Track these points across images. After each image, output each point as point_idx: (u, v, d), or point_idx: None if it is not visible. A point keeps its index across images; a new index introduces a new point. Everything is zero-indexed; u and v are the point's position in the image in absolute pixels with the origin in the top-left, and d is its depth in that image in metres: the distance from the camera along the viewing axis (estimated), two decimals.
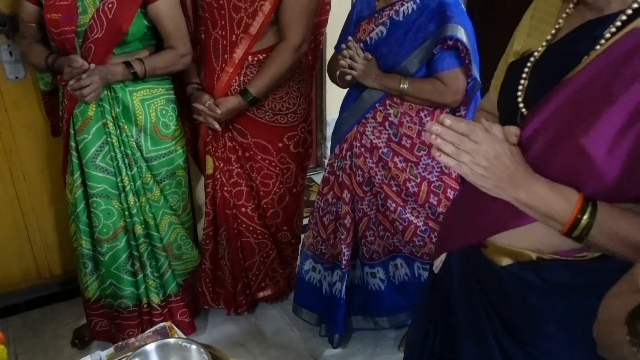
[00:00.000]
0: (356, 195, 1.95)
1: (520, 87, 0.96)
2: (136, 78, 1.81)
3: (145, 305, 2.07)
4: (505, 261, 0.99)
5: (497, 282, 1.00)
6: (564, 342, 0.94)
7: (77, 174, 1.90)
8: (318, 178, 3.42)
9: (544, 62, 0.95)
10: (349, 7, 2.04)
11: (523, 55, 0.99)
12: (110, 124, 1.84)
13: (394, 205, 1.89)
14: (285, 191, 2.17)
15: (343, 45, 1.75)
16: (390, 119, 1.83)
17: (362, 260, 2.06)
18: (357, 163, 1.91)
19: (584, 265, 0.90)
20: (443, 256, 1.17)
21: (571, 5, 0.93)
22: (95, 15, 1.70)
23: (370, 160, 1.88)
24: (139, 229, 1.96)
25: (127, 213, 1.94)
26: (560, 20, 0.95)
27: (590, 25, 0.88)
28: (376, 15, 1.80)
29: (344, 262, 1.99)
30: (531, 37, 1.01)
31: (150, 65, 1.81)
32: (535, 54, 0.96)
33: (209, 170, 2.13)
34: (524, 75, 0.96)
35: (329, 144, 3.33)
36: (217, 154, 2.09)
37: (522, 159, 0.88)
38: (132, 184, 1.92)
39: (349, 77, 1.76)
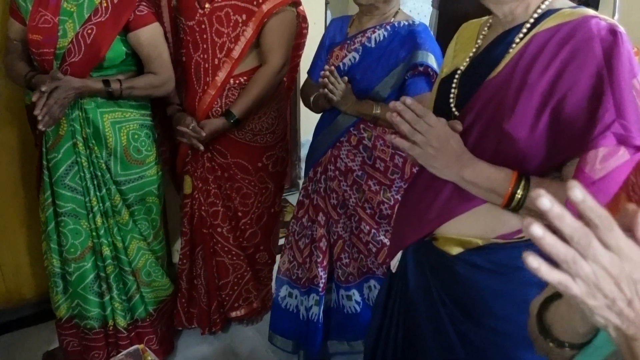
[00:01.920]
0: (331, 218, 1.99)
1: (451, 95, 1.16)
2: (111, 96, 1.85)
3: (112, 327, 2.09)
4: (456, 250, 1.14)
5: (450, 270, 1.16)
6: (511, 320, 1.09)
7: (47, 193, 1.95)
8: (292, 199, 3.46)
9: (469, 72, 1.16)
10: (320, 31, 2.09)
11: (451, 72, 1.20)
12: (80, 144, 1.89)
13: (367, 227, 1.93)
14: (263, 211, 2.26)
15: (323, 72, 1.81)
16: (364, 142, 1.88)
17: (338, 283, 2.09)
18: (331, 186, 1.97)
19: (521, 246, 1.07)
20: (399, 255, 1.31)
21: (486, 28, 1.18)
22: (74, 39, 1.78)
23: (345, 183, 1.93)
24: (106, 250, 1.99)
25: (94, 234, 1.98)
26: (479, 41, 1.18)
27: (503, 36, 1.10)
28: (348, 41, 1.87)
29: (321, 285, 2.02)
30: (457, 58, 1.23)
31: (128, 87, 1.86)
32: (461, 68, 1.18)
33: (188, 190, 2.21)
34: (453, 85, 1.17)
35: (303, 165, 3.36)
36: (196, 174, 2.17)
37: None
38: (100, 204, 1.96)
39: (326, 102, 1.85)
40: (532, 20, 1.05)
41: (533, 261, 0.48)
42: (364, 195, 1.94)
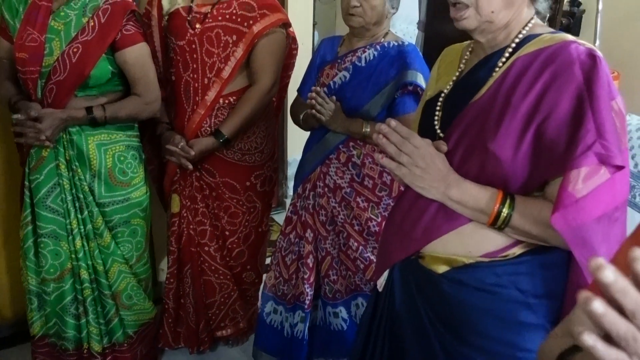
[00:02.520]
0: (319, 234, 2.00)
1: (436, 117, 1.20)
2: (95, 124, 1.86)
3: (86, 350, 2.08)
4: (442, 268, 1.16)
5: (436, 288, 1.18)
6: (497, 338, 1.11)
7: (27, 211, 1.96)
8: (279, 218, 3.46)
9: (452, 94, 1.20)
10: (307, 51, 2.12)
11: (435, 95, 1.24)
12: (63, 166, 1.89)
13: (355, 244, 1.94)
14: (251, 230, 2.27)
15: (311, 94, 1.85)
16: (353, 159, 1.90)
17: (325, 299, 2.09)
18: (320, 202, 1.98)
19: (506, 265, 1.09)
20: (385, 274, 1.32)
21: (468, 52, 1.22)
22: (60, 58, 1.79)
23: (333, 200, 1.95)
24: (84, 274, 1.98)
25: (74, 256, 1.97)
26: (461, 65, 1.22)
27: (485, 60, 1.15)
28: (339, 60, 1.91)
29: (306, 302, 2.02)
30: (440, 81, 1.27)
31: (112, 112, 1.87)
32: (445, 90, 1.22)
33: (175, 208, 2.21)
34: (437, 107, 1.21)
35: (290, 184, 3.38)
36: (184, 193, 2.17)
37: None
38: (81, 227, 1.95)
39: (315, 121, 1.88)
40: (513, 45, 1.11)
41: (588, 339, 0.45)
42: (352, 212, 1.95)
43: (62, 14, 1.81)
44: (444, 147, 1.11)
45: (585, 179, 0.95)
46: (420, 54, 1.89)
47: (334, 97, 1.88)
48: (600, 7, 1.76)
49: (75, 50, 1.78)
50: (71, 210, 1.91)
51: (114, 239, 2.01)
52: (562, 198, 0.96)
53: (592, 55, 1.00)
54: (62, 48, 1.78)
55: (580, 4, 3.02)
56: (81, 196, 1.91)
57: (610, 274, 0.44)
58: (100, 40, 1.79)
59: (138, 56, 1.87)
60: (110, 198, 1.96)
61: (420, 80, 1.80)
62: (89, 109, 1.84)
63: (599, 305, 0.44)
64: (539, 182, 1.05)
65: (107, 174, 1.93)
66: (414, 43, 3.91)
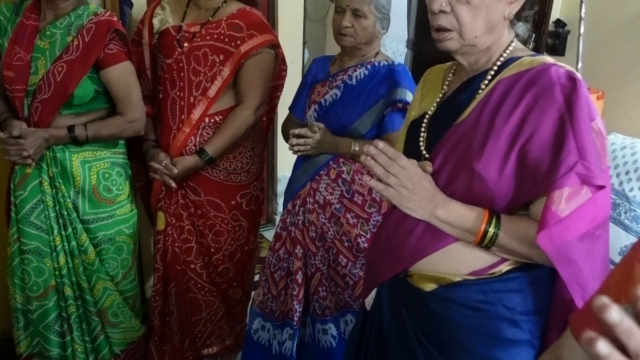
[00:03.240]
0: (309, 250, 2.02)
1: (421, 138, 1.22)
2: (76, 143, 1.87)
3: None
4: (430, 287, 1.17)
5: (424, 306, 1.19)
6: (484, 356, 1.13)
7: (14, 229, 1.96)
8: (269, 234, 3.46)
9: (436, 116, 1.23)
10: (297, 69, 2.15)
11: (420, 116, 1.27)
12: (46, 183, 1.89)
13: (345, 260, 1.96)
14: (236, 248, 2.26)
15: (290, 140, 1.91)
16: (343, 176, 1.93)
17: (314, 316, 2.10)
18: (310, 219, 1.99)
19: (493, 282, 1.12)
20: (374, 292, 1.34)
21: (451, 74, 1.26)
22: (45, 77, 1.80)
23: (323, 216, 1.96)
24: (68, 291, 1.98)
25: (57, 273, 1.96)
26: (444, 86, 1.26)
27: (468, 82, 1.18)
28: (330, 78, 1.94)
29: (295, 319, 2.02)
30: (424, 102, 1.29)
31: (93, 131, 1.88)
32: (429, 112, 1.24)
33: (160, 226, 2.20)
34: (422, 129, 1.23)
35: (280, 200, 3.39)
36: (169, 210, 2.16)
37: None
38: (65, 244, 1.94)
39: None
40: (495, 68, 1.15)
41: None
42: (341, 228, 1.97)
43: (48, 33, 1.83)
44: (430, 168, 1.13)
45: (568, 199, 0.98)
46: (410, 73, 1.93)
47: (318, 125, 1.90)
48: (582, 30, 1.81)
49: (59, 69, 1.79)
50: (54, 227, 1.91)
51: (98, 255, 2.00)
52: (546, 217, 0.99)
53: (571, 78, 1.04)
54: (47, 67, 1.80)
55: (565, 24, 3.08)
56: (65, 213, 1.91)
57: (616, 315, 0.45)
58: (84, 59, 1.81)
59: (121, 75, 1.88)
60: (94, 215, 1.96)
61: (409, 98, 1.82)
62: (71, 128, 1.85)
63: (604, 347, 0.45)
64: (524, 202, 1.08)
65: (91, 191, 1.93)
66: (403, 60, 3.98)
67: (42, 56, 1.81)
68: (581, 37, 1.82)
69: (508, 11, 1.11)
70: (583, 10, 1.76)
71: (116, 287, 2.07)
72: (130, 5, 2.35)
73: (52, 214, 1.90)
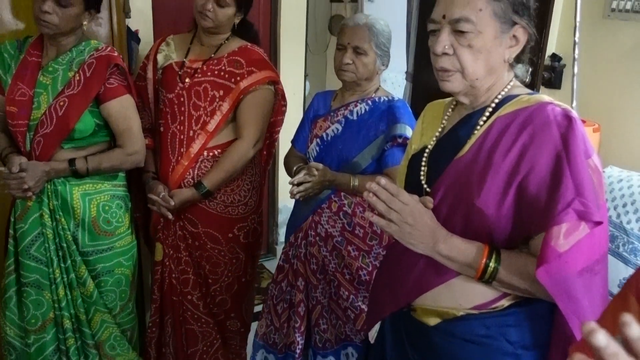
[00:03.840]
0: (310, 283, 2.02)
1: (421, 172, 1.24)
2: (77, 175, 1.88)
3: None
4: (433, 321, 1.19)
5: (427, 339, 1.19)
6: None
7: (11, 260, 1.94)
8: (269, 264, 3.45)
9: (437, 151, 1.24)
10: (299, 102, 2.18)
11: (420, 150, 1.29)
12: (47, 216, 1.89)
13: (346, 293, 1.96)
14: (234, 280, 2.25)
15: (291, 189, 1.93)
16: (344, 208, 1.94)
17: (315, 349, 2.09)
18: (311, 251, 2.00)
19: (495, 317, 1.13)
20: (377, 326, 1.34)
21: (450, 109, 1.28)
22: (47, 112, 1.82)
23: (325, 249, 1.97)
24: (67, 323, 1.96)
25: (56, 305, 1.95)
26: (444, 121, 1.28)
27: (466, 118, 1.20)
28: (332, 113, 1.98)
29: (297, 352, 2.02)
30: (424, 136, 1.32)
31: (94, 164, 1.89)
32: (429, 146, 1.26)
33: (158, 257, 2.20)
34: (423, 163, 1.25)
35: (281, 231, 3.40)
36: (167, 241, 2.17)
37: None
38: (64, 276, 1.93)
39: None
40: (493, 105, 1.17)
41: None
42: (343, 260, 1.97)
43: (51, 69, 1.85)
44: (430, 205, 1.14)
45: (567, 235, 1.00)
46: (409, 109, 1.97)
47: (316, 166, 1.92)
48: (575, 70, 1.84)
49: (61, 104, 1.81)
50: (54, 259, 1.90)
51: (97, 287, 1.98)
52: (545, 253, 1.00)
53: (567, 117, 1.06)
54: (50, 102, 1.82)
55: (560, 58, 3.13)
56: (64, 245, 1.91)
57: (602, 338, 0.47)
58: (85, 93, 1.82)
59: (121, 109, 1.90)
60: (93, 247, 1.95)
61: (409, 133, 1.84)
62: (71, 161, 1.86)
63: None
64: (523, 237, 1.09)
65: (90, 223, 1.93)
66: (402, 92, 4.03)
67: (44, 91, 1.83)
68: (575, 76, 1.86)
69: (508, 55, 1.14)
70: (577, 52, 1.81)
71: (114, 319, 2.05)
72: (138, 41, 2.40)
73: (52, 247, 1.89)
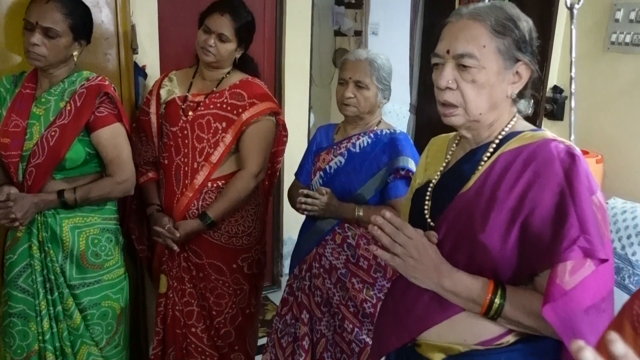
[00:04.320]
0: (314, 316, 1.99)
1: (425, 206, 1.23)
2: (66, 206, 1.86)
3: None
4: (438, 356, 1.16)
5: None
6: None
7: (5, 291, 1.93)
8: (274, 296, 3.42)
9: (441, 185, 1.24)
10: (304, 134, 2.19)
11: (424, 184, 1.28)
12: (35, 248, 1.87)
13: (350, 326, 1.93)
14: (238, 312, 2.23)
15: (299, 199, 1.94)
16: (348, 240, 1.93)
17: None
18: (315, 283, 1.98)
19: (501, 353, 1.10)
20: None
21: (455, 144, 1.28)
22: (39, 142, 1.82)
23: (329, 281, 1.96)
24: (50, 357, 1.92)
25: (40, 338, 1.92)
26: (448, 156, 1.28)
27: (471, 154, 1.20)
28: (334, 146, 1.98)
29: None
30: (428, 170, 1.31)
31: (83, 194, 1.87)
32: (433, 180, 1.26)
33: (162, 289, 2.18)
34: (427, 197, 1.24)
35: (285, 262, 3.37)
36: (171, 273, 2.15)
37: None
38: (50, 308, 1.91)
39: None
40: (497, 141, 1.17)
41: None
42: (347, 293, 1.95)
43: (43, 100, 1.86)
44: (435, 239, 1.13)
45: (572, 272, 0.98)
46: (411, 141, 1.97)
47: (326, 189, 1.92)
48: (573, 104, 1.85)
49: (53, 134, 1.81)
50: (40, 291, 1.87)
51: (84, 320, 1.95)
52: (551, 291, 0.99)
53: (571, 154, 1.05)
54: (41, 132, 1.81)
55: (562, 90, 3.14)
56: (52, 277, 1.88)
57: (589, 356, 0.49)
58: (75, 122, 1.82)
59: (110, 137, 1.88)
60: (81, 280, 1.92)
61: (412, 166, 1.84)
62: (60, 192, 1.84)
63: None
64: (528, 273, 1.07)
65: (79, 256, 1.91)
66: (406, 124, 4.05)
67: (37, 122, 1.83)
68: (573, 110, 1.87)
69: (511, 91, 1.14)
70: (574, 86, 1.82)
71: (100, 352, 2.00)
72: (145, 76, 2.43)
73: (39, 278, 1.87)
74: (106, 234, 1.98)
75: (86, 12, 1.88)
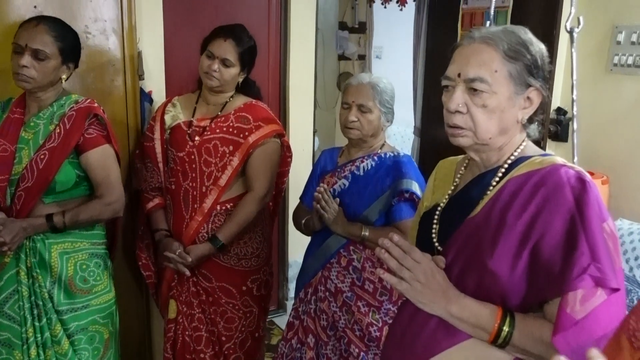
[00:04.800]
0: (320, 340, 1.96)
1: (433, 230, 1.20)
2: (55, 230, 1.82)
3: None
4: None
5: None
6: None
7: None
8: (280, 320, 3.38)
9: (449, 209, 1.21)
10: (308, 157, 2.18)
11: (432, 207, 1.25)
12: (23, 273, 1.82)
13: (357, 350, 1.90)
14: (247, 335, 2.20)
15: (316, 193, 1.90)
16: (354, 263, 1.91)
17: None
18: (321, 307, 1.96)
19: None
20: None
21: (463, 168, 1.25)
22: (28, 166, 1.79)
23: (334, 304, 1.93)
24: None
25: None
26: (456, 179, 1.25)
27: (479, 178, 1.17)
28: (339, 169, 1.97)
29: None
30: (436, 194, 1.29)
31: (71, 217, 1.83)
32: (441, 204, 1.23)
33: (172, 314, 2.16)
34: (435, 221, 1.21)
35: (291, 286, 3.34)
36: (180, 298, 2.13)
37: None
38: (37, 335, 1.84)
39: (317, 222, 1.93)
40: (506, 166, 1.14)
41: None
42: (353, 316, 1.91)
43: (32, 124, 1.83)
44: (442, 264, 1.10)
45: (583, 301, 0.95)
46: (415, 163, 1.95)
47: (338, 200, 1.92)
48: (575, 126, 1.84)
49: (42, 157, 1.78)
50: (28, 318, 1.82)
51: (71, 346, 1.89)
52: (561, 320, 0.96)
53: (581, 180, 1.02)
54: (30, 156, 1.78)
55: (565, 112, 3.13)
56: (40, 303, 1.83)
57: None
58: (64, 145, 1.80)
59: (99, 158, 1.86)
60: (69, 305, 1.87)
61: (416, 188, 1.83)
62: (49, 216, 1.80)
63: None
64: (538, 301, 1.04)
65: (67, 282, 1.86)
66: (410, 146, 4.04)
67: (25, 146, 1.81)
68: (575, 132, 1.86)
69: (521, 116, 1.12)
70: (575, 109, 1.82)
71: None
72: (151, 101, 2.44)
73: (27, 305, 1.82)
74: (94, 259, 1.94)
75: (74, 37, 1.87)
